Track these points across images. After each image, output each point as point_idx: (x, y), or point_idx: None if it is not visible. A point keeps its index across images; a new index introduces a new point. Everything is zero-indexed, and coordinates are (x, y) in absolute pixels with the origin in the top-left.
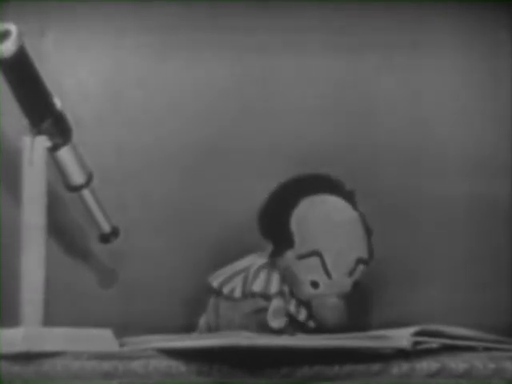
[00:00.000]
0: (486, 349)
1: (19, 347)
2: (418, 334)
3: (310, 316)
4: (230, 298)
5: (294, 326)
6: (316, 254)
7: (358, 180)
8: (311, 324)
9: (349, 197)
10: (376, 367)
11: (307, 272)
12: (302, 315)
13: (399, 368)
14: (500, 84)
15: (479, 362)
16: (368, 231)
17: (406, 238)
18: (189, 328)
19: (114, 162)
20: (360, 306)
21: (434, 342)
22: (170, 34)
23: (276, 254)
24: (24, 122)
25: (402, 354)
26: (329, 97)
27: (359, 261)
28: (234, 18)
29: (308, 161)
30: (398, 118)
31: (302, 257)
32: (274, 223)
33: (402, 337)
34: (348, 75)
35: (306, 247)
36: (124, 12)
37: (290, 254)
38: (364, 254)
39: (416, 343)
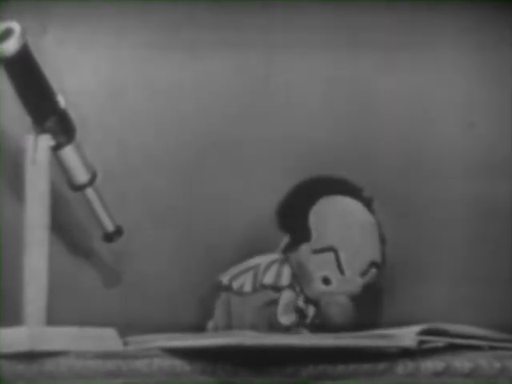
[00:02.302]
0: (492, 348)
1: (23, 346)
2: (423, 332)
3: (318, 314)
4: (239, 293)
5: (302, 323)
6: (331, 249)
7: (357, 180)
8: (317, 322)
9: (367, 203)
10: (381, 366)
11: (320, 267)
12: (310, 312)
13: (404, 367)
14: (501, 84)
15: (485, 361)
16: (383, 239)
17: (408, 238)
18: (193, 327)
19: (116, 160)
20: (367, 306)
21: (440, 341)
22: (171, 33)
23: (292, 247)
24: (27, 120)
25: (407, 354)
26: (329, 96)
27: (372, 264)
28: (234, 17)
29: (308, 160)
30: (398, 118)
31: (317, 251)
32: (293, 216)
33: (407, 336)
34: (348, 74)
35: (322, 242)
36: (125, 10)
37: (305, 248)
38: (378, 259)
39: (421, 342)
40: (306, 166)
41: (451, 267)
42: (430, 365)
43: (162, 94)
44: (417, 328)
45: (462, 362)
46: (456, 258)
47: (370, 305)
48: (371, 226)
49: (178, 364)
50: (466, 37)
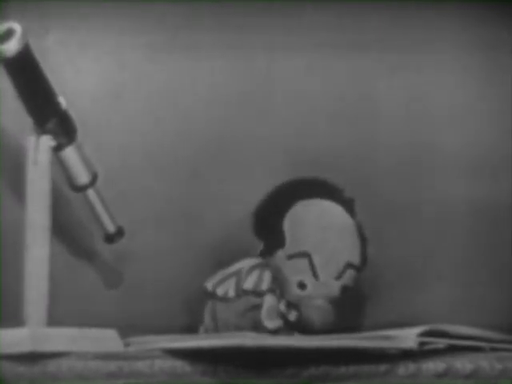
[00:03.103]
0: (493, 349)
1: (24, 347)
2: (424, 334)
3: (299, 317)
4: (224, 299)
5: (287, 326)
6: (305, 254)
7: (357, 180)
8: (300, 325)
9: (347, 204)
10: (382, 368)
11: (295, 272)
12: (293, 316)
13: (406, 368)
14: (500, 84)
15: (486, 363)
16: (363, 239)
17: (406, 239)
18: (194, 328)
19: (117, 161)
20: (348, 307)
21: (441, 343)
22: (172, 34)
23: (266, 253)
24: (28, 121)
25: (408, 355)
26: (329, 96)
27: (349, 265)
28: (234, 18)
29: (308, 161)
30: (397, 118)
31: (291, 257)
32: (267, 222)
33: (408, 337)
34: (348, 74)
35: (295, 247)
36: (126, 12)
37: (280, 254)
38: (355, 260)
39: (422, 344)
40: (306, 166)
41: (451, 268)
42: (431, 366)
43: (163, 95)
44: (418, 329)
45: (463, 364)
46: (455, 259)
47: (350, 306)
48: (348, 227)
49: (179, 365)
50: (466, 37)
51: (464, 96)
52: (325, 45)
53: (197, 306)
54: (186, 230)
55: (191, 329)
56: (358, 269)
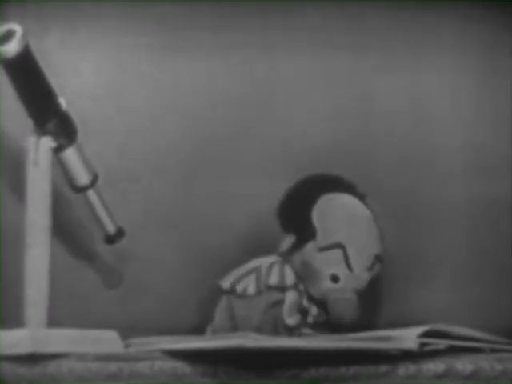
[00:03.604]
0: (493, 350)
1: (24, 349)
2: (424, 334)
3: (321, 312)
4: (243, 296)
5: (306, 322)
6: (339, 246)
7: (357, 180)
8: (321, 321)
9: (361, 198)
10: (383, 368)
11: (328, 264)
12: (313, 311)
13: (406, 369)
14: (500, 84)
15: (486, 364)
16: (381, 231)
17: (408, 238)
18: (195, 329)
19: (117, 162)
20: (371, 300)
21: (441, 344)
22: (172, 34)
23: (297, 247)
24: (29, 122)
25: (408, 356)
26: (329, 96)
27: (377, 257)
28: (234, 18)
29: (308, 161)
30: (397, 118)
31: (323, 249)
32: (296, 215)
33: (408, 338)
34: (348, 74)
35: (328, 239)
36: (126, 12)
37: (310, 247)
38: (381, 252)
39: (423, 345)
40: (307, 165)
41: (451, 268)
42: (432, 367)
43: (163, 96)
44: (418, 330)
45: (463, 364)
46: (456, 259)
47: (373, 299)
48: (371, 220)
49: (180, 366)
50: (466, 37)
51: (463, 96)
52: (325, 45)
53: (198, 306)
54: (187, 231)
55: (192, 330)
56: (382, 261)
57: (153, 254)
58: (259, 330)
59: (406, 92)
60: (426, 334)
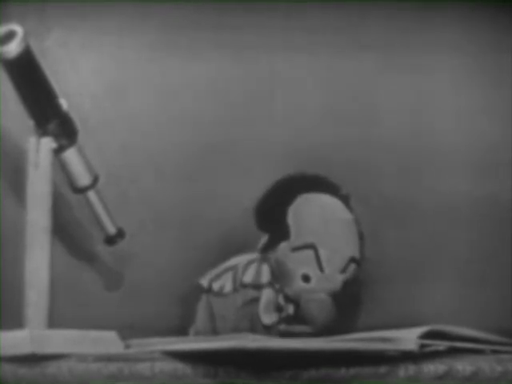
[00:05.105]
0: (494, 351)
1: (24, 349)
2: (424, 335)
3: (297, 311)
4: (220, 294)
5: (283, 321)
6: (311, 246)
7: (358, 179)
8: (298, 319)
9: (344, 200)
10: (383, 370)
11: (300, 264)
12: (290, 310)
13: (406, 370)
14: (501, 84)
15: (486, 365)
16: (361, 235)
17: (405, 238)
18: None
19: (118, 163)
20: (347, 302)
21: (441, 345)
22: (173, 34)
23: (271, 246)
24: (29, 123)
25: (408, 357)
26: (329, 96)
27: (352, 260)
28: (235, 18)
29: (308, 160)
30: (398, 118)
31: (296, 249)
32: (271, 215)
33: (408, 339)
34: (348, 75)
35: (301, 240)
36: (127, 12)
37: (284, 246)
38: (357, 255)
39: (423, 346)
40: (306, 165)
41: (451, 267)
42: (432, 368)
43: (164, 96)
44: (418, 330)
45: (463, 366)
46: (455, 259)
47: (349, 301)
48: (349, 222)
49: (180, 367)
50: (467, 38)
51: (465, 96)
52: (326, 45)
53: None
54: (187, 232)
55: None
56: (359, 264)
57: (153, 255)
58: (236, 327)
59: (407, 92)
60: (427, 335)
